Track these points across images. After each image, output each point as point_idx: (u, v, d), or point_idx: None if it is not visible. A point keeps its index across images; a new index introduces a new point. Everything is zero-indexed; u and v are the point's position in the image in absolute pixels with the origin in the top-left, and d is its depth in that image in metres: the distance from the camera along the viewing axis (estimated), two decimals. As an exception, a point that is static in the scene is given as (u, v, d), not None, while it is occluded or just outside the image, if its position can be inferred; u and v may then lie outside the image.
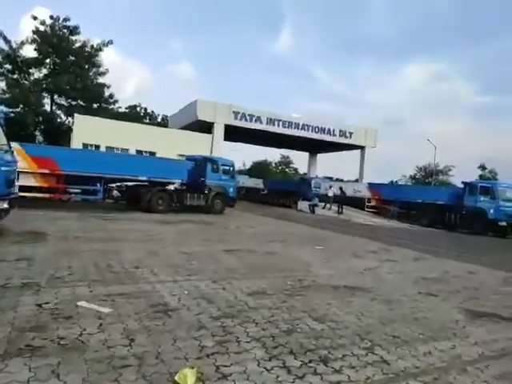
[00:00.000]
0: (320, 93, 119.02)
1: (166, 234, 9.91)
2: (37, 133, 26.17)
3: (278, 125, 28.73)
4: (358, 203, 26.35)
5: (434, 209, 21.30)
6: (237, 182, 19.56)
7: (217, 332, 3.67)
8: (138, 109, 48.25)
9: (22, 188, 12.76)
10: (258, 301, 4.80)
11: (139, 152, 23.86)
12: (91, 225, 10.62)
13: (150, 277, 5.48)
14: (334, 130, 31.71)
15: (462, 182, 21.46)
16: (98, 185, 14.80)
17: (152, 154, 23.94)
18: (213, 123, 26.50)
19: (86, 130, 22.77)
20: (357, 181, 34.06)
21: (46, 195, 14.13)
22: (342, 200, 24.68)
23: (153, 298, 4.51)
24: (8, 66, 23.43)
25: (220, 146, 26.81)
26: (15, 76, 23.76)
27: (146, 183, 15.95)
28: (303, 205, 25.89)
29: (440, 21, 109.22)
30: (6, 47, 22.84)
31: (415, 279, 7.02)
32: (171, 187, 16.58)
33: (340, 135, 32.26)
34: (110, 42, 26.03)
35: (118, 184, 16.23)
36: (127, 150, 23.88)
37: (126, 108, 46.15)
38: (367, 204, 26.26)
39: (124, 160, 16.11)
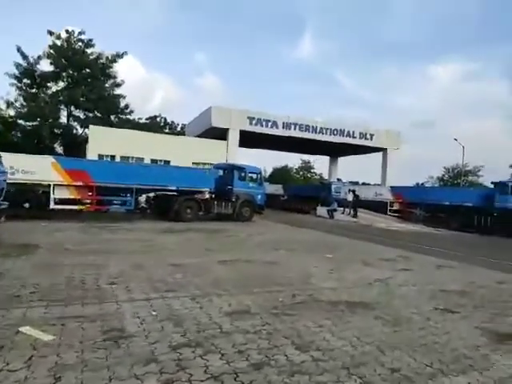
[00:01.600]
0: (345, 98, 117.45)
1: (165, 245, 9.37)
2: (56, 145, 26.59)
3: (295, 128, 27.94)
4: (380, 207, 25.14)
5: (463, 211, 19.87)
6: (265, 189, 19.10)
7: (168, 367, 3.01)
8: (158, 119, 48.64)
9: (58, 200, 13.62)
10: (236, 323, 4.12)
11: (154, 161, 23.68)
12: (90, 236, 10.24)
13: (120, 295, 4.90)
14: (353, 133, 30.57)
15: (492, 182, 19.97)
16: (129, 195, 15.09)
17: (166, 162, 23.77)
18: (227, 129, 26.07)
19: (101, 141, 22.82)
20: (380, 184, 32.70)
21: (80, 207, 14.59)
22: (357, 204, 23.51)
23: (111, 322, 3.91)
24: (27, 81, 23.99)
25: (235, 153, 26.30)
26: (34, 90, 24.29)
27: (175, 193, 16.05)
28: (322, 210, 24.94)
29: (468, 18, 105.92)
30: (23, 63, 23.44)
31: (432, 292, 6.12)
32: (199, 196, 16.62)
33: (360, 137, 31.06)
34: (125, 53, 26.36)
35: (148, 194, 16.51)
36: (142, 159, 23.73)
37: (147, 119, 46.71)
38: (390, 208, 24.98)
39: (153, 170, 16.23)
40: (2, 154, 14.32)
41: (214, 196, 17.09)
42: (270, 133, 27.30)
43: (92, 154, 22.65)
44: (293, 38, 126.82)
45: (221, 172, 18.25)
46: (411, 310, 5.01)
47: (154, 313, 4.26)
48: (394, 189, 25.70)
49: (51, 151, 25.19)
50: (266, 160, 52.49)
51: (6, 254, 6.97)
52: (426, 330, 4.27)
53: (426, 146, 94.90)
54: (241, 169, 18.09)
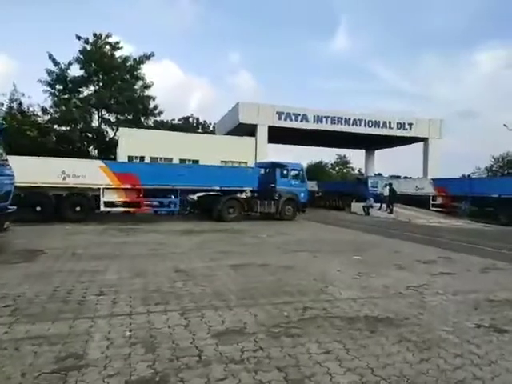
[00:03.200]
0: (383, 92, 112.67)
1: (179, 247, 8.82)
2: (91, 149, 27.17)
3: (326, 122, 26.75)
4: (421, 202, 23.40)
5: (516, 204, 17.88)
6: (307, 187, 18.66)
7: (110, 415, 2.35)
8: (191, 119, 49.01)
9: (107, 203, 14.04)
10: (223, 347, 3.39)
11: (182, 161, 23.51)
12: (106, 239, 9.92)
13: (102, 309, 4.33)
14: (390, 123, 28.83)
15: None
16: (174, 197, 15.23)
17: (195, 162, 23.52)
18: (256, 125, 25.39)
19: (131, 143, 22.94)
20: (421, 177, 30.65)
21: (128, 209, 14.91)
22: (394, 199, 21.90)
23: (73, 345, 3.32)
24: (59, 87, 24.65)
25: (264, 149, 25.58)
26: (66, 96, 24.93)
27: (218, 193, 16.04)
28: (357, 206, 23.62)
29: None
30: (55, 69, 24.10)
31: (476, 302, 5.08)
32: (242, 195, 16.60)
33: (398, 128, 29.26)
34: (152, 55, 26.40)
35: (192, 195, 16.77)
36: (171, 159, 23.65)
37: (179, 120, 47.20)
38: (432, 202, 23.16)
39: (197, 171, 16.20)
40: (57, 159, 14.92)
41: (256, 195, 16.91)
42: (300, 127, 26.30)
43: (122, 155, 22.84)
44: (327, 32, 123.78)
45: (263, 170, 18.05)
46: (447, 328, 4.05)
47: (128, 333, 3.63)
48: (436, 181, 23.82)
49: (86, 155, 25.75)
50: (299, 156, 51.45)
51: (5, 261, 6.70)
52: (463, 359, 3.33)
53: (471, 137, 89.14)
54: (283, 166, 17.71)
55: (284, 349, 3.41)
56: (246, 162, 24.64)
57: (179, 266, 6.65)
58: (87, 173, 13.71)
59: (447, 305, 4.97)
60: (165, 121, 45.67)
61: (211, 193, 16.48)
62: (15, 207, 8.02)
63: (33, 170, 12.80)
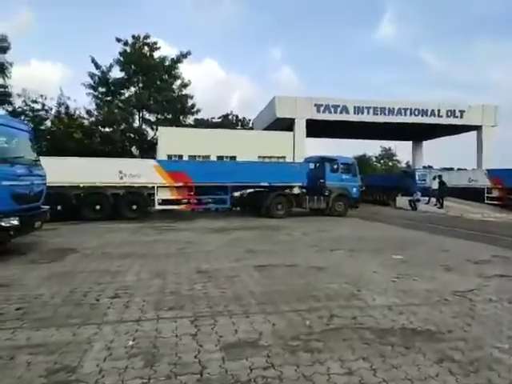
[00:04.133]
0: (434, 81, 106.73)
1: (207, 246, 8.56)
2: (133, 149, 27.94)
3: (368, 112, 25.44)
4: (475, 195, 21.57)
5: None
6: (359, 182, 17.94)
7: None
8: (230, 117, 49.12)
9: (161, 201, 14.46)
10: (230, 363, 3.01)
11: (220, 158, 23.45)
12: (138, 237, 9.90)
13: (112, 313, 4.11)
14: (439, 111, 26.84)
15: None
16: (224, 193, 15.29)
17: (232, 158, 23.34)
18: (293, 119, 24.72)
19: (170, 141, 23.20)
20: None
21: (181, 207, 15.18)
22: (444, 192, 20.31)
23: (69, 356, 3.09)
24: (101, 89, 25.53)
25: (303, 143, 24.85)
26: (109, 98, 25.79)
27: (267, 189, 15.90)
28: (402, 201, 22.30)
29: None
30: (97, 72, 24.98)
31: (539, 314, 4.30)
32: (290, 191, 16.47)
33: (448, 116, 27.19)
34: (189, 53, 26.54)
35: (241, 192, 16.86)
36: (208, 156, 23.67)
37: (219, 117, 47.47)
38: (487, 195, 21.29)
39: (246, 168, 15.99)
40: (114, 159, 15.66)
41: (305, 191, 16.60)
42: (340, 119, 25.24)
43: (162, 154, 23.15)
44: (371, 21, 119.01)
45: (312, 165, 17.69)
46: (500, 345, 3.39)
47: (130, 342, 3.35)
48: (491, 172, 21.85)
49: (129, 154, 26.46)
50: (342, 150, 49.88)
51: (33, 260, 6.78)
52: (523, 389, 2.69)
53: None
54: (332, 161, 17.14)
55: (300, 367, 2.96)
56: (284, 157, 24.10)
57: (202, 267, 6.36)
58: (142, 172, 14.08)
59: (501, 315, 4.24)
60: (205, 119, 46.15)
61: (260, 189, 16.31)
62: (48, 207, 8.15)
63: (92, 171, 13.53)
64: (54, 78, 63.05)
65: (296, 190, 16.94)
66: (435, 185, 21.17)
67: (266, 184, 15.80)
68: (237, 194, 16.99)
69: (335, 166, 16.95)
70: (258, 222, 13.71)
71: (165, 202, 14.65)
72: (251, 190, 16.98)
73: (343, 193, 16.79)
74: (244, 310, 4.26)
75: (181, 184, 14.65)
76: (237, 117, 49.17)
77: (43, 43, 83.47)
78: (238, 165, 16.82)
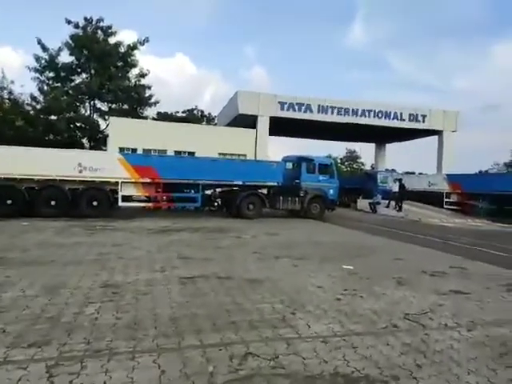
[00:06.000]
0: (400, 84, 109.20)
1: (135, 251, 7.40)
2: (85, 140, 25.98)
3: (332, 112, 24.93)
4: (434, 199, 21.55)
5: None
6: (337, 183, 17.17)
7: None
8: (195, 112, 47.60)
9: (125, 198, 13.32)
10: None
11: (177, 153, 22.11)
12: (58, 239, 8.52)
13: None
14: (401, 114, 26.79)
15: None
16: (195, 191, 14.47)
17: (191, 154, 22.10)
18: (256, 116, 23.78)
19: (122, 133, 21.61)
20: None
21: (147, 204, 14.35)
22: (404, 195, 20.07)
23: None
24: (49, 74, 23.44)
25: (265, 142, 23.99)
26: (58, 84, 23.72)
27: (238, 188, 15.25)
28: (363, 203, 21.96)
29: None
30: (44, 55, 22.88)
31: (503, 344, 3.54)
32: (263, 191, 15.69)
33: (410, 120, 27.22)
34: (146, 40, 24.89)
35: (211, 190, 16.03)
36: (165, 151, 22.28)
37: (183, 112, 45.84)
38: (446, 200, 21.30)
39: (220, 165, 15.24)
40: (73, 151, 14.18)
41: (280, 191, 15.75)
42: (303, 118, 24.58)
43: (113, 146, 21.52)
44: (342, 23, 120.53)
45: (290, 165, 17.01)
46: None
47: None
48: (450, 177, 21.93)
49: (79, 146, 24.49)
50: (306, 150, 49.52)
51: None
52: None
53: (489, 132, 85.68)
54: (309, 161, 16.46)
55: None
56: (245, 155, 23.12)
57: (113, 279, 5.23)
58: (104, 165, 13.06)
59: (460, 348, 3.43)
60: (168, 113, 44.34)
61: (234, 188, 15.53)
62: None
63: (47, 163, 12.37)
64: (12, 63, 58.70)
65: (267, 190, 16.10)
66: (395, 188, 20.94)
67: (240, 183, 15.04)
68: (208, 192, 16.03)
69: (312, 167, 16.27)
70: (211, 223, 12.74)
71: (130, 199, 13.68)
72: (224, 189, 16.17)
73: (319, 194, 16.21)
74: (133, 345, 3.20)
75: (148, 180, 13.65)
76: (202, 112, 47.72)
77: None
78: (212, 162, 15.68)
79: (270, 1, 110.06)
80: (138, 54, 25.34)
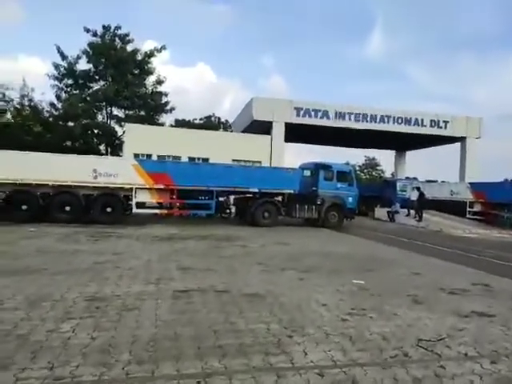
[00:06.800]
0: (419, 95, 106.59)
1: (135, 260, 7.09)
2: (102, 147, 26.19)
3: (350, 118, 24.33)
4: (456, 208, 20.59)
5: None
6: (357, 191, 16.57)
7: None
8: (213, 119, 47.73)
9: (140, 205, 13.37)
10: None
11: (192, 159, 21.94)
12: (58, 245, 8.33)
13: None
14: (422, 120, 25.94)
15: None
16: (210, 198, 14.22)
17: (205, 160, 21.91)
18: (271, 122, 23.42)
19: (137, 139, 21.64)
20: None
21: (162, 211, 14.16)
22: (423, 204, 19.20)
23: None
24: (68, 81, 23.78)
25: (281, 148, 23.58)
26: (77, 91, 24.05)
27: (256, 195, 14.87)
28: (381, 212, 21.19)
29: None
30: (63, 63, 23.24)
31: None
32: (279, 198, 15.30)
33: (432, 125, 26.33)
34: (164, 48, 25.01)
35: (225, 197, 15.85)
36: (179, 157, 22.16)
37: (201, 119, 46.03)
38: (469, 209, 20.31)
39: (235, 172, 14.96)
40: (88, 157, 14.31)
41: (296, 198, 15.20)
42: (320, 124, 24.07)
43: (128, 153, 21.56)
44: (361, 35, 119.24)
45: (308, 172, 16.55)
46: None
47: None
48: (474, 186, 20.92)
49: (96, 152, 24.67)
50: (324, 157, 48.74)
51: None
52: None
53: (510, 141, 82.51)
54: (327, 167, 15.98)
55: None
56: (260, 162, 22.76)
57: (102, 291, 4.90)
58: (119, 172, 12.98)
59: (483, 387, 2.91)
60: (186, 120, 44.60)
61: (248, 195, 15.19)
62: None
63: (62, 168, 12.37)
64: (35, 71, 60.63)
65: (284, 198, 15.57)
66: (413, 196, 20.11)
67: (256, 190, 14.67)
68: (221, 198, 15.73)
69: (330, 174, 15.78)
70: (221, 231, 12.45)
71: (144, 205, 13.55)
72: (238, 196, 15.90)
73: (337, 202, 15.62)
74: (100, 373, 2.81)
75: (162, 186, 13.51)
76: (219, 119, 47.82)
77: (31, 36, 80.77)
78: (227, 169, 15.41)
79: (288, 10, 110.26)
80: (155, 62, 25.50)
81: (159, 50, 24.96)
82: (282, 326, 3.98)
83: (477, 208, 20.17)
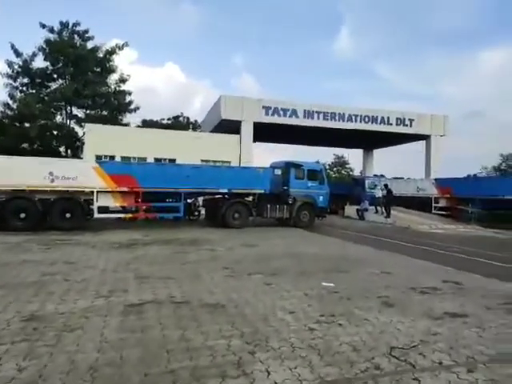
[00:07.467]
0: (388, 92, 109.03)
1: (88, 270, 6.51)
2: (62, 149, 24.88)
3: (318, 117, 24.30)
4: (423, 205, 20.99)
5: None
6: (328, 189, 16.37)
7: None
8: (181, 119, 46.79)
9: (102, 209, 12.64)
10: None
11: (158, 160, 21.21)
12: (6, 256, 7.59)
13: None
14: (388, 119, 26.33)
15: None
16: (178, 200, 13.71)
17: (172, 161, 21.25)
18: (240, 122, 23.03)
19: (99, 140, 20.65)
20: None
21: (126, 215, 13.77)
22: (391, 201, 19.44)
23: None
24: (23, 80, 22.41)
25: (250, 148, 23.23)
26: (33, 90, 22.68)
27: (225, 196, 14.56)
28: (350, 210, 21.29)
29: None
30: (18, 60, 21.86)
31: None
32: (249, 198, 14.91)
33: (398, 124, 26.74)
34: (126, 45, 24.01)
35: (194, 199, 15.51)
36: (145, 159, 21.36)
37: (169, 119, 45.01)
38: (435, 205, 20.74)
39: (203, 172, 14.40)
40: (44, 159, 13.32)
41: (267, 198, 14.88)
42: (289, 123, 23.92)
43: (89, 154, 20.54)
44: (330, 33, 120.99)
45: (278, 171, 16.05)
46: None
47: None
48: (439, 182, 21.39)
49: (56, 155, 23.41)
50: (293, 156, 48.71)
51: None
52: None
53: (477, 137, 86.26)
54: (298, 166, 15.72)
55: None
56: (229, 162, 22.34)
57: (45, 308, 4.35)
58: (78, 174, 12.24)
59: (460, 404, 2.64)
60: (154, 120, 43.45)
61: (218, 196, 14.86)
62: None
63: (15, 171, 11.52)
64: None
65: (253, 198, 15.27)
66: (379, 193, 20.32)
67: (225, 190, 14.32)
68: (190, 200, 15.24)
69: (301, 173, 15.55)
70: (188, 234, 11.93)
71: (107, 209, 12.95)
72: (207, 197, 15.59)
73: (309, 201, 15.45)
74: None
75: (126, 189, 12.90)
76: (188, 119, 46.95)
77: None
78: (195, 169, 14.82)
79: (258, 10, 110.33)
80: (122, 61, 24.58)
81: (121, 48, 23.95)
82: (244, 341, 3.60)
83: (442, 203, 20.62)
